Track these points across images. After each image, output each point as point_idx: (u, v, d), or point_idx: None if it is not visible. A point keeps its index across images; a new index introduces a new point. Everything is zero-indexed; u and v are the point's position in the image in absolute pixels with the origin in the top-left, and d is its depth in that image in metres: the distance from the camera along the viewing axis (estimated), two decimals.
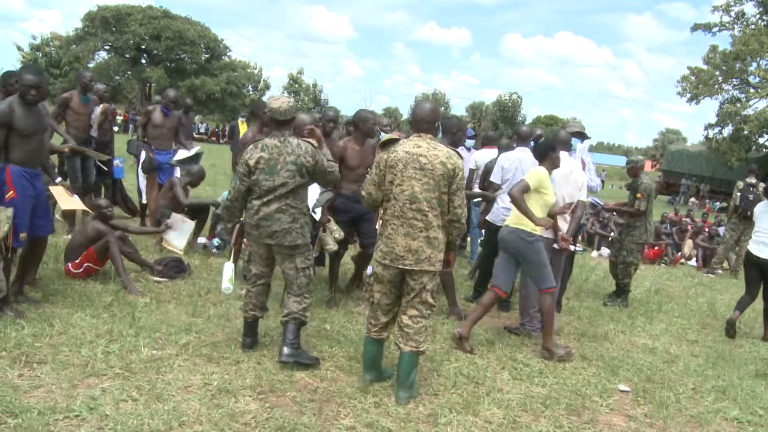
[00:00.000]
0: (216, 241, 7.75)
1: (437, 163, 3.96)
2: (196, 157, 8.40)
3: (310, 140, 4.59)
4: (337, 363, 4.69)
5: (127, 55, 49.35)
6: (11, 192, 4.69)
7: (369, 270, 4.32)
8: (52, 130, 6.98)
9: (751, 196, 11.27)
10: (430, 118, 4.13)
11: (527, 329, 5.90)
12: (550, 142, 5.68)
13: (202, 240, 7.95)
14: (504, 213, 6.58)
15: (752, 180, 11.43)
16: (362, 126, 5.90)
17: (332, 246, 5.76)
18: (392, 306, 4.22)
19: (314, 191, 5.41)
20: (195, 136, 12.65)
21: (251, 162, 4.40)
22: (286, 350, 4.44)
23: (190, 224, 7.21)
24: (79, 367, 4.05)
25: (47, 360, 4.10)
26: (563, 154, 6.02)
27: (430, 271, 4.03)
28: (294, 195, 4.45)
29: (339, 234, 5.74)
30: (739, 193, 11.40)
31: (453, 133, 6.11)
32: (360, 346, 4.71)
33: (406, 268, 4.01)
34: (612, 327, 6.67)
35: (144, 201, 8.55)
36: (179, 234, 7.18)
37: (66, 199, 5.67)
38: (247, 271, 4.99)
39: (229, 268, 4.99)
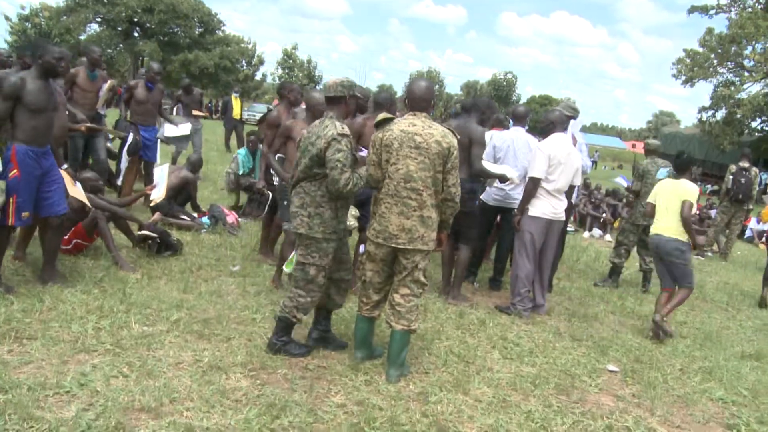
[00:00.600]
0: (206, 219, 7.72)
1: (432, 142, 3.95)
2: (184, 136, 8.34)
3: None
4: None
5: (119, 28, 48.95)
6: (15, 170, 4.61)
7: (362, 248, 4.31)
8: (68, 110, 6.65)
9: (743, 180, 11.32)
10: (425, 97, 4.11)
11: (518, 309, 5.93)
12: (691, 157, 5.89)
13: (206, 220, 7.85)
14: (495, 193, 6.58)
15: (745, 164, 11.47)
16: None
17: (353, 223, 5.31)
18: (384, 284, 4.23)
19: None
20: (197, 113, 12.52)
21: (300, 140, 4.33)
22: (270, 341, 4.33)
23: (164, 169, 7.27)
24: (70, 343, 4.04)
25: (37, 336, 4.08)
26: (562, 136, 6.02)
27: (423, 250, 4.03)
28: (311, 180, 4.12)
29: (355, 211, 5.34)
30: (731, 177, 11.44)
31: (482, 111, 6.10)
32: (351, 323, 4.73)
33: (399, 246, 4.01)
34: (602, 308, 6.72)
35: (119, 182, 8.40)
36: (160, 185, 7.05)
37: (69, 187, 5.50)
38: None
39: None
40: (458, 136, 4.32)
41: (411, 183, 3.96)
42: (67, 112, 6.34)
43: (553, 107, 7.39)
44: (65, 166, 5.54)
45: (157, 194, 6.96)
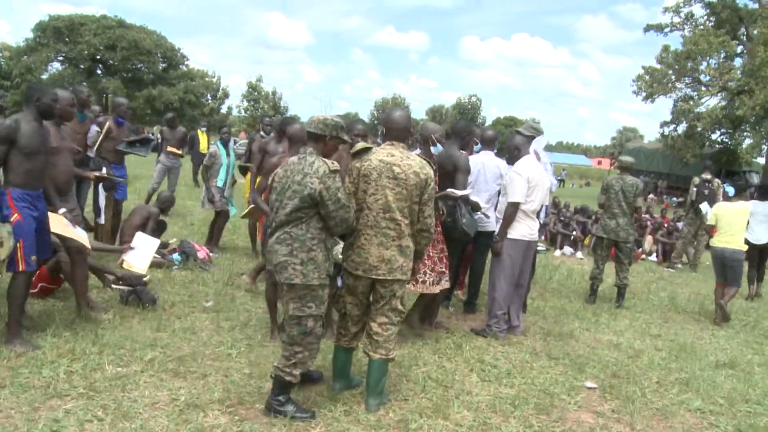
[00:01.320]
0: (177, 256, 7.63)
1: (410, 173, 3.96)
2: (147, 142, 8.10)
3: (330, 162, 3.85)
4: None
5: (82, 66, 48.62)
6: (15, 215, 4.52)
7: (339, 282, 4.28)
8: (73, 151, 6.16)
9: (706, 192, 11.59)
10: (402, 126, 4.13)
11: (493, 331, 5.94)
12: (747, 182, 6.17)
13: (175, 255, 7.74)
14: (482, 219, 6.50)
15: (707, 176, 11.77)
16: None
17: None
18: (362, 316, 4.22)
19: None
20: (172, 150, 12.14)
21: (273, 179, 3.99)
22: (267, 402, 3.96)
23: (154, 243, 6.81)
24: (40, 389, 3.94)
25: (5, 383, 3.97)
26: (532, 158, 6.10)
27: (402, 279, 4.04)
28: (297, 223, 3.77)
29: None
30: (695, 189, 11.71)
31: (462, 137, 6.09)
32: (328, 354, 4.69)
33: (380, 277, 4.01)
34: (577, 325, 6.77)
35: (101, 221, 8.26)
36: (142, 254, 6.57)
37: (61, 226, 5.16)
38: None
39: None
40: (434, 166, 4.34)
41: (390, 213, 3.96)
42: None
43: (517, 128, 7.48)
44: (62, 210, 5.20)
45: (140, 265, 6.37)
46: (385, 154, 4.03)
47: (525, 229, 5.95)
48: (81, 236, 5.29)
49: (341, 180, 3.88)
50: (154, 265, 7.11)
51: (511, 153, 6.19)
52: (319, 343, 3.94)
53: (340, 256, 4.49)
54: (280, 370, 3.84)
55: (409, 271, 4.08)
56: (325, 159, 3.76)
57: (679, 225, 13.34)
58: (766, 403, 4.94)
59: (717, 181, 12.00)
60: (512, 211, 5.89)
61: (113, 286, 6.06)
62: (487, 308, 6.14)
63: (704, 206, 8.14)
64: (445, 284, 5.63)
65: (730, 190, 8.15)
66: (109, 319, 5.39)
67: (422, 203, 4.02)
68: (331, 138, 3.87)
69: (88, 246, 5.39)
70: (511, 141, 6.30)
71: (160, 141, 12.44)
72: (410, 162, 4.00)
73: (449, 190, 5.54)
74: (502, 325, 6.01)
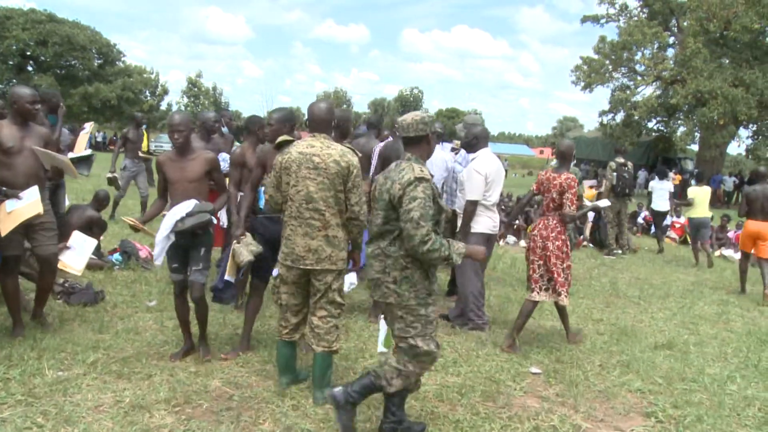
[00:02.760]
0: (118, 256, 7.46)
1: (330, 162, 3.97)
2: (87, 159, 7.83)
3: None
4: (252, 368, 4.64)
5: (11, 62, 46.74)
6: None
7: (275, 272, 4.27)
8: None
9: (626, 175, 12.05)
10: (324, 118, 4.14)
11: (477, 324, 6.07)
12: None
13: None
14: None
15: (621, 159, 12.19)
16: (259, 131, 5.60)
17: (247, 257, 4.68)
18: (301, 306, 4.20)
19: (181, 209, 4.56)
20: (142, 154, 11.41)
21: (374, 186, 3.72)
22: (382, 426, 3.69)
23: (91, 243, 6.51)
24: None
25: None
26: (488, 151, 6.16)
27: (333, 270, 4.04)
28: (387, 237, 3.53)
29: (256, 247, 4.78)
30: (614, 174, 12.08)
31: (376, 127, 6.14)
32: (273, 349, 4.67)
33: (308, 267, 4.01)
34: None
35: None
36: (78, 253, 6.32)
37: (10, 220, 4.73)
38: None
39: (384, 326, 4.07)
40: (359, 155, 4.35)
41: (312, 204, 3.97)
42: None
43: (461, 119, 7.56)
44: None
45: (76, 266, 6.14)
46: (305, 146, 4.05)
47: (488, 223, 6.05)
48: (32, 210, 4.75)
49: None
50: (91, 266, 6.93)
51: (470, 142, 6.24)
52: (431, 365, 3.70)
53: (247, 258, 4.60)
54: (379, 378, 3.59)
55: (341, 261, 4.07)
56: (416, 165, 3.47)
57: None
58: (701, 380, 5.13)
59: (630, 164, 12.48)
60: (472, 208, 5.96)
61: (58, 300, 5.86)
62: (464, 303, 6.19)
63: (603, 202, 8.35)
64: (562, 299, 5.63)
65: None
66: (49, 322, 5.24)
67: (347, 191, 4.02)
68: (432, 133, 3.64)
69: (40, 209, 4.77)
70: (471, 130, 6.32)
71: (121, 143, 11.25)
72: (330, 151, 4.00)
73: (596, 203, 5.76)
74: (484, 318, 6.13)
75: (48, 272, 5.13)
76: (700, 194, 11.50)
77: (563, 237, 5.53)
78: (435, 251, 3.35)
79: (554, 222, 5.54)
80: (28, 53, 46.24)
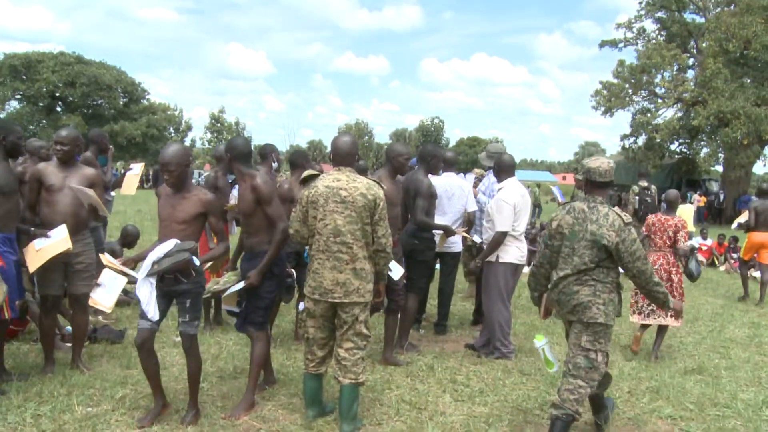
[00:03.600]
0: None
1: (357, 195, 4.01)
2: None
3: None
4: (278, 402, 4.64)
5: (41, 104, 48.00)
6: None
7: (301, 306, 4.29)
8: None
9: (648, 199, 11.89)
10: (348, 152, 4.20)
11: (503, 353, 6.02)
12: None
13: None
14: (448, 241, 6.53)
15: (644, 183, 12.03)
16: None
17: (223, 287, 4.61)
18: (327, 340, 4.21)
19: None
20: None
21: (553, 225, 4.12)
22: None
23: (121, 280, 6.50)
24: None
25: None
26: (515, 180, 6.15)
27: (360, 302, 4.05)
28: (599, 267, 3.96)
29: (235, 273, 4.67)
30: (637, 198, 11.94)
31: (428, 161, 6.06)
32: (300, 383, 4.67)
33: (336, 301, 4.02)
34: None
35: None
36: (108, 291, 6.41)
37: (39, 258, 4.73)
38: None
39: (543, 344, 4.51)
40: (384, 187, 4.39)
41: (340, 237, 4.00)
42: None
43: (483, 147, 7.61)
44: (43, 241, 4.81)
45: (106, 303, 5.60)
46: (331, 180, 4.09)
47: (516, 253, 6.00)
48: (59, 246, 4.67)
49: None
50: (119, 302, 7.01)
51: (499, 172, 6.21)
52: (597, 381, 4.03)
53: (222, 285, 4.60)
54: (566, 409, 3.91)
55: (368, 293, 4.09)
56: (616, 210, 3.94)
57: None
58: (734, 406, 5.03)
59: (654, 187, 12.31)
60: (502, 239, 5.93)
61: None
62: (491, 332, 6.12)
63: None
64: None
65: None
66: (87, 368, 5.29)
67: (374, 223, 4.06)
68: (611, 180, 4.07)
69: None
70: (499, 159, 6.31)
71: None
72: (356, 184, 4.06)
73: (688, 243, 6.41)
74: (509, 347, 6.09)
75: (79, 310, 5.16)
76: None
77: (681, 270, 6.61)
78: (660, 285, 4.06)
79: (672, 258, 6.55)
80: (57, 94, 47.40)
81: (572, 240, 3.97)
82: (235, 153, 4.45)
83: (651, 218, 6.77)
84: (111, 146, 6.91)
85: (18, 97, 47.89)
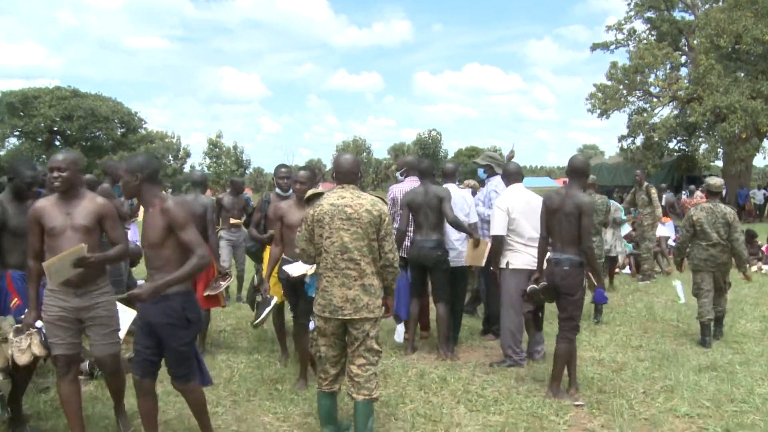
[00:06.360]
0: None
1: (363, 212, 4.02)
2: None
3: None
4: (293, 422, 4.63)
5: (40, 139, 48.23)
6: (15, 299, 4.37)
7: (311, 325, 4.28)
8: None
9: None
10: (350, 169, 4.21)
11: (514, 360, 6.01)
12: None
13: None
14: (459, 255, 6.57)
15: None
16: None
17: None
18: (339, 357, 4.20)
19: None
20: (235, 221, 9.62)
21: (693, 219, 6.91)
22: None
23: (130, 314, 6.36)
24: None
25: None
26: (518, 186, 6.20)
27: (371, 318, 4.05)
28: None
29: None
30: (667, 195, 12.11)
31: (432, 175, 6.29)
32: (314, 402, 4.65)
33: (346, 318, 4.02)
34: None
35: None
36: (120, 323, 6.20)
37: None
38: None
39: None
40: (388, 203, 4.42)
41: (348, 254, 4.01)
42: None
43: (477, 157, 7.62)
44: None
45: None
46: (335, 197, 4.11)
47: (527, 258, 5.93)
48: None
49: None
50: (130, 333, 7.00)
51: (504, 179, 6.39)
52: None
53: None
54: (708, 315, 5.76)
55: (377, 308, 4.09)
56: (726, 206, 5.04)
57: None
58: (752, 401, 5.00)
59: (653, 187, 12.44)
60: (496, 243, 6.03)
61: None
62: (503, 339, 6.15)
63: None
64: None
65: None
66: (90, 390, 5.28)
67: (380, 239, 4.08)
68: None
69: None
70: (505, 168, 6.49)
71: (216, 210, 8.97)
72: (361, 201, 4.08)
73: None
74: (521, 354, 6.07)
75: (109, 375, 4.39)
76: None
77: None
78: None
79: None
80: (55, 128, 47.73)
81: (709, 225, 6.75)
82: (147, 172, 3.82)
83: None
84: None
85: (17, 133, 48.21)
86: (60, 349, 4.05)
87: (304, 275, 4.89)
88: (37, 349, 3.99)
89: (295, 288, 5.19)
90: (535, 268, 5.87)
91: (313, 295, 4.31)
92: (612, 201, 10.92)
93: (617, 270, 12.87)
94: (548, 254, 5.30)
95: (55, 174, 3.98)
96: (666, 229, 13.28)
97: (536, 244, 5.87)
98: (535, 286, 5.34)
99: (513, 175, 6.26)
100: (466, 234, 6.35)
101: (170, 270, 3.72)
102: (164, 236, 3.75)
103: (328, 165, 64.06)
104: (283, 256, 5.36)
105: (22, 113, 46.84)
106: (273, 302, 5.56)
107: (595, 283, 5.38)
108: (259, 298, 5.82)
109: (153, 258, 3.83)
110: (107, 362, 4.22)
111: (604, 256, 9.44)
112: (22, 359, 3.98)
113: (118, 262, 5.03)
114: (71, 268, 3.85)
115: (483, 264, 6.50)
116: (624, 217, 11.26)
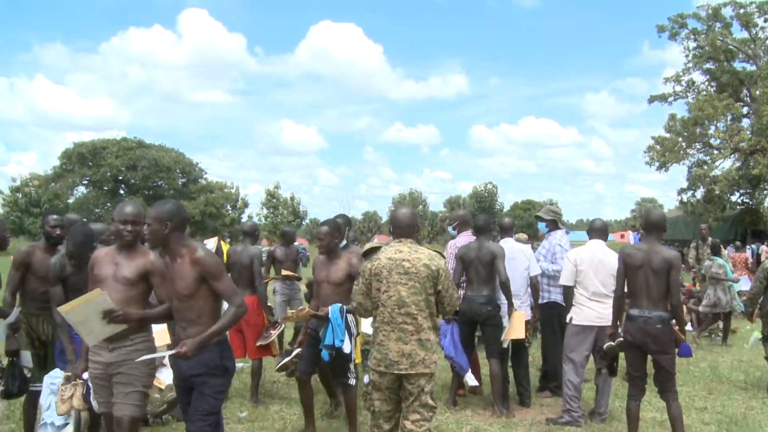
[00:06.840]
0: None
1: (421, 266, 4.04)
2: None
3: None
4: None
5: (105, 188, 50.28)
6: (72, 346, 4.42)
7: (366, 378, 4.27)
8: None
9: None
10: (408, 223, 4.25)
11: (573, 417, 5.90)
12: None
13: None
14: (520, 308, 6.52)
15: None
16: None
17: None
18: (394, 412, 4.18)
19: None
20: (288, 273, 8.82)
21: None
22: None
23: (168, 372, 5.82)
24: None
25: None
26: (594, 242, 6.17)
27: (426, 373, 4.02)
28: None
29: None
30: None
31: (488, 230, 6.36)
32: None
33: (402, 372, 4.00)
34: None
35: None
36: (169, 368, 5.60)
37: None
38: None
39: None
40: (446, 257, 4.44)
41: (405, 308, 4.01)
42: None
43: (536, 211, 7.59)
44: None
45: (166, 380, 5.71)
46: (393, 252, 4.13)
47: (590, 314, 5.83)
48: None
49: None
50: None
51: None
52: None
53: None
54: None
55: (433, 363, 4.08)
56: None
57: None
58: None
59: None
60: (566, 293, 6.08)
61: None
62: (564, 391, 6.06)
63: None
64: None
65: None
66: None
67: (440, 294, 4.09)
68: None
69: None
70: (592, 224, 6.52)
71: (269, 262, 9.13)
72: (419, 255, 4.09)
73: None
74: (579, 411, 5.93)
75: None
76: None
77: None
78: None
79: None
80: (120, 178, 49.65)
81: None
82: (177, 221, 3.67)
83: None
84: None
85: (85, 182, 50.33)
86: (103, 407, 3.94)
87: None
88: (77, 402, 4.01)
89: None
90: (597, 324, 5.75)
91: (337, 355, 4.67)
92: (716, 258, 10.77)
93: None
94: (629, 310, 5.00)
95: (129, 228, 3.83)
96: (743, 284, 12.80)
97: (600, 299, 5.77)
98: (612, 343, 5.14)
99: (596, 232, 6.27)
100: (507, 302, 6.14)
101: (206, 322, 3.60)
102: (196, 287, 3.60)
103: (384, 217, 64.52)
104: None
105: (90, 163, 48.99)
106: (295, 352, 5.64)
107: (682, 338, 5.12)
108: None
109: (184, 310, 3.67)
110: (123, 424, 3.78)
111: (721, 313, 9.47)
112: (62, 409, 4.04)
113: (162, 323, 4.78)
114: (101, 323, 3.63)
115: (523, 336, 6.33)
116: (730, 274, 11.02)
